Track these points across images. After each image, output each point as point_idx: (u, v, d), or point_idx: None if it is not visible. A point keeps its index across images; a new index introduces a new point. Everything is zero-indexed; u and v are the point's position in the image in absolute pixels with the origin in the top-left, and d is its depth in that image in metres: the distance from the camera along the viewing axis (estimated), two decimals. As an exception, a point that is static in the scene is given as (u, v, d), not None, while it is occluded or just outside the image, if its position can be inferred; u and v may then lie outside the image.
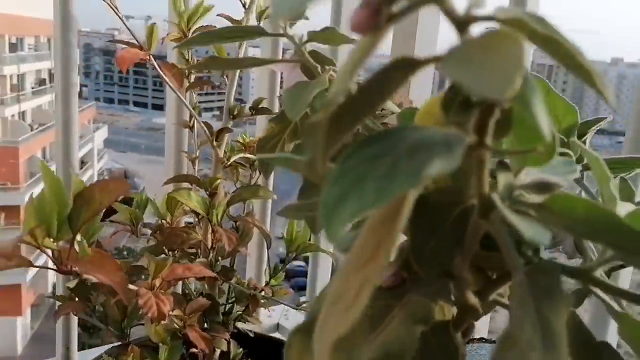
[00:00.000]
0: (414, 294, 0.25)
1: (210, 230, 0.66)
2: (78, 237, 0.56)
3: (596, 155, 0.26)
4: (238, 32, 0.42)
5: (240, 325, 0.76)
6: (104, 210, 0.40)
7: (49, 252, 0.39)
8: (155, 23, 0.59)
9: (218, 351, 0.72)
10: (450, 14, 0.18)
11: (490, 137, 0.19)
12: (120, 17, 0.57)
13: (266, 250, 0.95)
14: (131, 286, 0.50)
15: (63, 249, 0.40)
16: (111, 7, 0.56)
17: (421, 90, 0.80)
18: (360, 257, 0.19)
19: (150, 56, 0.59)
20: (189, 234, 0.64)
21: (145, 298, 0.49)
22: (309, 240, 0.78)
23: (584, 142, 0.42)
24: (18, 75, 16.42)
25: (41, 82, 18.26)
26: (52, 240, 0.39)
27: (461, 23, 0.18)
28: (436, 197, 0.24)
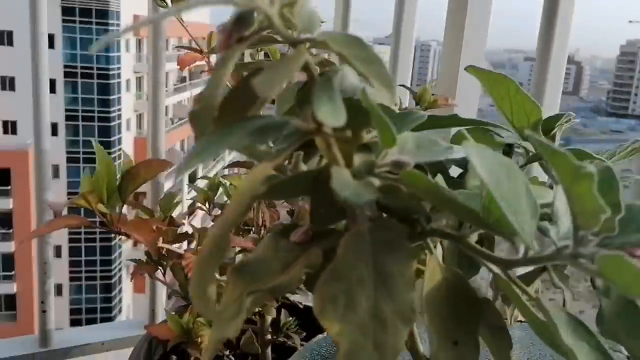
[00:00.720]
0: (315, 248, 0.32)
1: (260, 210, 0.75)
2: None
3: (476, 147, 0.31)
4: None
5: (291, 297, 0.85)
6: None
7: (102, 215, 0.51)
8: (213, 31, 0.70)
9: (269, 318, 0.82)
10: (285, 37, 0.25)
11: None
12: (184, 27, 0.68)
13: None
14: (179, 250, 0.61)
15: (114, 214, 0.52)
16: (178, 20, 0.67)
17: (468, 91, 0.84)
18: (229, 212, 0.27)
19: (208, 59, 0.70)
20: (241, 212, 0.74)
21: (188, 260, 0.60)
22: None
23: (553, 136, 0.46)
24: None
25: (182, 79, 19.79)
26: (104, 206, 0.50)
27: (294, 43, 0.25)
28: (326, 174, 0.31)
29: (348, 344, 0.25)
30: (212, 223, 0.87)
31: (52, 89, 16.65)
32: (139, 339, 0.83)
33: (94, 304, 17.75)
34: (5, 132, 16.62)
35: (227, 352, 0.77)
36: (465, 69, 0.49)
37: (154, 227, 0.53)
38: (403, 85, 0.75)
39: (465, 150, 0.24)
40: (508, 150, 0.44)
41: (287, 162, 0.35)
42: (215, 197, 0.88)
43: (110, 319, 16.34)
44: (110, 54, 16.44)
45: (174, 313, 0.81)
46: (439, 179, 0.35)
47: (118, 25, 16.20)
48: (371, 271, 0.27)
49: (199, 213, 0.91)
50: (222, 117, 0.27)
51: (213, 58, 0.69)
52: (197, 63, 0.67)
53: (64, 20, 15.65)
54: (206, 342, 0.68)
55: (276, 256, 0.33)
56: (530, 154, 0.43)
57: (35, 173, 0.84)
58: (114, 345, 0.95)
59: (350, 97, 0.27)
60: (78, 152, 16.49)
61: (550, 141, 0.46)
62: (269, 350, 0.80)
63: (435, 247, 0.36)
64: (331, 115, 0.23)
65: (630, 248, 0.25)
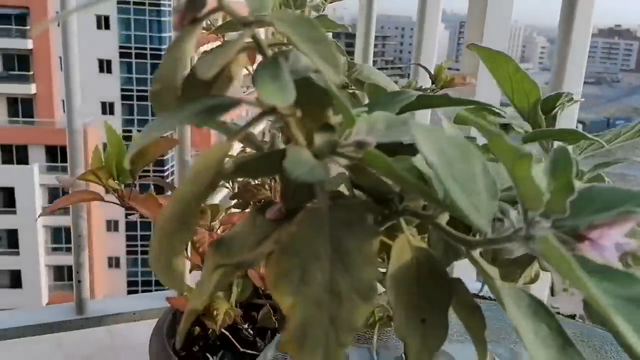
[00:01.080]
0: (286, 225, 0.33)
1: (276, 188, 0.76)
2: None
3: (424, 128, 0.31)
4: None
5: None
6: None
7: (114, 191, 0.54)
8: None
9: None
10: (236, 18, 0.26)
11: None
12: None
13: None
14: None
15: (126, 190, 0.54)
16: None
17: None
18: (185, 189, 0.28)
19: (223, 38, 0.71)
20: (259, 190, 0.76)
21: (200, 235, 0.62)
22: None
23: (554, 116, 0.44)
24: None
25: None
26: (116, 182, 0.52)
27: (246, 24, 0.26)
28: (294, 151, 0.31)
29: (300, 319, 0.26)
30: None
31: (109, 69, 17.14)
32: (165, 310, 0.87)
33: (149, 277, 18.42)
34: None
35: (245, 326, 0.79)
36: (466, 47, 0.48)
37: (165, 203, 0.55)
38: (419, 64, 0.73)
39: (412, 131, 0.24)
40: (504, 130, 0.43)
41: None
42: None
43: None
44: (163, 35, 16.77)
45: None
46: (418, 158, 0.35)
47: (169, 5, 16.43)
48: (328, 247, 0.27)
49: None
50: (185, 95, 0.28)
51: (229, 36, 0.70)
52: (211, 43, 0.68)
53: (118, 2, 16.03)
54: (221, 314, 0.70)
55: (253, 232, 0.34)
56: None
57: (69, 151, 0.88)
58: (145, 315, 0.99)
59: (309, 77, 0.28)
60: (133, 131, 17.02)
61: (551, 121, 0.45)
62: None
63: (427, 230, 0.37)
64: (274, 94, 0.24)
65: (583, 230, 0.24)
